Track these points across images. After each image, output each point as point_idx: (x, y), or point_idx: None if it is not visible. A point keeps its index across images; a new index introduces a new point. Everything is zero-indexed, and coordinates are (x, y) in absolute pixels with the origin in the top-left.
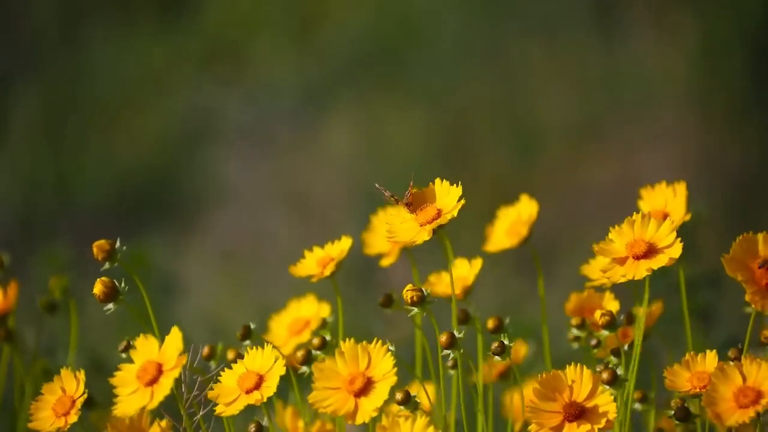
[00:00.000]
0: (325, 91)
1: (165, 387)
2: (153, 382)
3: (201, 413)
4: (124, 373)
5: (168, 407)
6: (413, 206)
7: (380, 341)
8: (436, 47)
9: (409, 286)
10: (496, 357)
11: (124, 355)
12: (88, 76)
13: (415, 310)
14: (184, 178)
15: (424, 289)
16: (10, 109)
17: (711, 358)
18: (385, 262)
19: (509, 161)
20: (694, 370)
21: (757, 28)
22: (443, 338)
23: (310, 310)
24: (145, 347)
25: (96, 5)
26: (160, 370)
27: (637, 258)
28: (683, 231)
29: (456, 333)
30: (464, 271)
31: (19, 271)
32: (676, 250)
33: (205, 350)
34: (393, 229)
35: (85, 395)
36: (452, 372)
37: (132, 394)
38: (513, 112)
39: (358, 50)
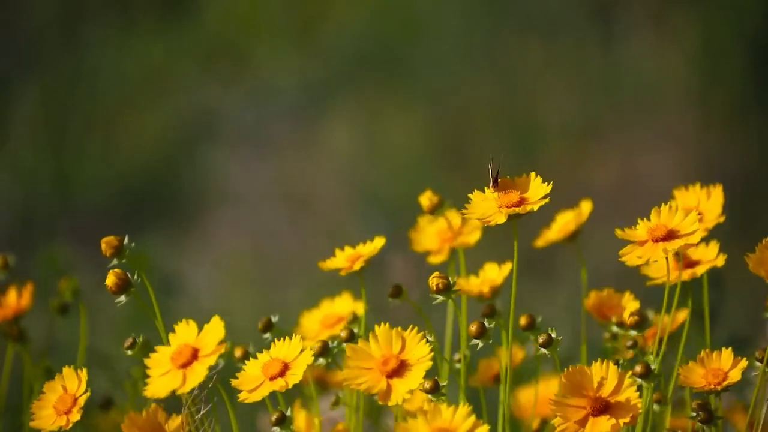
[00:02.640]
0: (326, 91)
1: (199, 373)
2: (186, 365)
3: (202, 411)
4: (159, 354)
5: (174, 406)
6: (500, 188)
7: (416, 328)
8: (436, 47)
9: (435, 273)
10: (542, 349)
11: (129, 353)
12: (88, 76)
13: (440, 297)
14: (184, 178)
15: (450, 277)
16: (10, 109)
17: (726, 356)
18: (434, 260)
19: (509, 161)
20: (709, 367)
21: (757, 28)
22: (473, 327)
23: (344, 307)
24: (184, 331)
25: (96, 5)
26: (195, 356)
27: (656, 241)
28: None
29: (486, 323)
30: (493, 273)
31: (20, 271)
32: (695, 238)
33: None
34: (471, 206)
35: (88, 393)
36: (458, 366)
37: (163, 376)
38: (513, 112)
39: (358, 50)
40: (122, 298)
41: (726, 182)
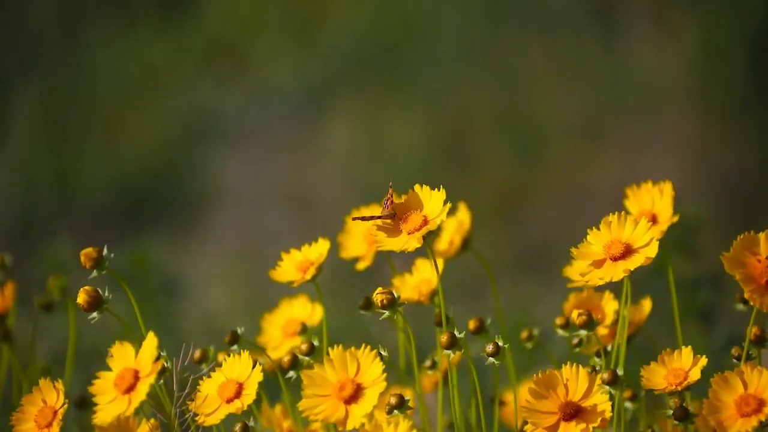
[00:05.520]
0: (326, 91)
1: (141, 393)
2: (130, 389)
3: (191, 413)
4: (103, 381)
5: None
6: (397, 215)
7: (368, 347)
8: (436, 47)
9: (379, 289)
10: (491, 359)
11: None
12: (88, 76)
13: (386, 313)
14: (184, 178)
15: (394, 292)
16: (10, 109)
17: (687, 354)
18: (361, 266)
19: (509, 161)
20: (671, 367)
21: (757, 28)
22: (444, 338)
23: (303, 311)
24: (122, 354)
25: (96, 5)
26: (137, 377)
27: (615, 259)
28: (684, 231)
29: (457, 333)
30: (428, 273)
31: (20, 271)
32: (653, 249)
33: (197, 354)
34: (381, 239)
35: (66, 406)
36: (430, 372)
37: (111, 403)
38: (513, 113)
39: (358, 50)
40: (95, 314)
41: (726, 182)
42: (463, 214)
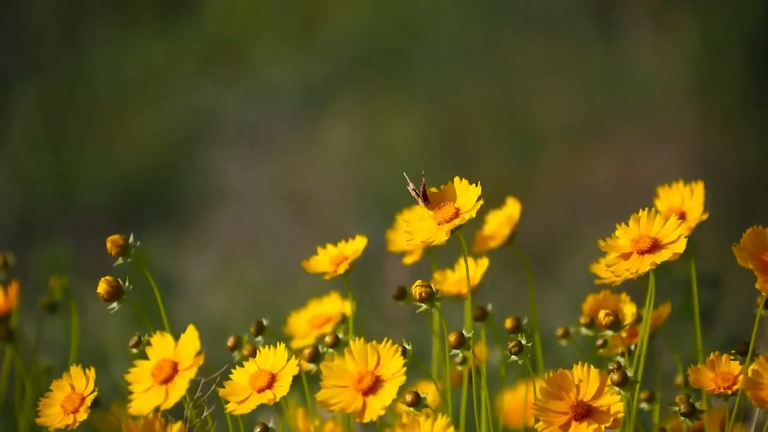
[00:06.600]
0: (326, 91)
1: (180, 387)
2: (168, 380)
3: (205, 413)
4: (139, 369)
5: (173, 408)
6: (431, 204)
7: (390, 341)
8: (436, 47)
9: (418, 282)
10: (513, 356)
11: (135, 350)
12: (88, 76)
13: (424, 306)
14: (184, 178)
15: (432, 285)
16: (10, 109)
17: (736, 363)
18: (408, 260)
19: (509, 161)
20: (719, 371)
21: (757, 28)
22: (452, 338)
23: (333, 307)
24: (161, 344)
25: (96, 5)
26: (175, 369)
27: (642, 253)
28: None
29: (465, 333)
30: (470, 270)
31: (19, 270)
32: (681, 245)
33: (231, 341)
34: (411, 228)
35: (95, 393)
36: (460, 368)
37: (146, 392)
38: (513, 112)
39: (358, 50)
40: (114, 305)
41: (726, 182)
42: (513, 208)
